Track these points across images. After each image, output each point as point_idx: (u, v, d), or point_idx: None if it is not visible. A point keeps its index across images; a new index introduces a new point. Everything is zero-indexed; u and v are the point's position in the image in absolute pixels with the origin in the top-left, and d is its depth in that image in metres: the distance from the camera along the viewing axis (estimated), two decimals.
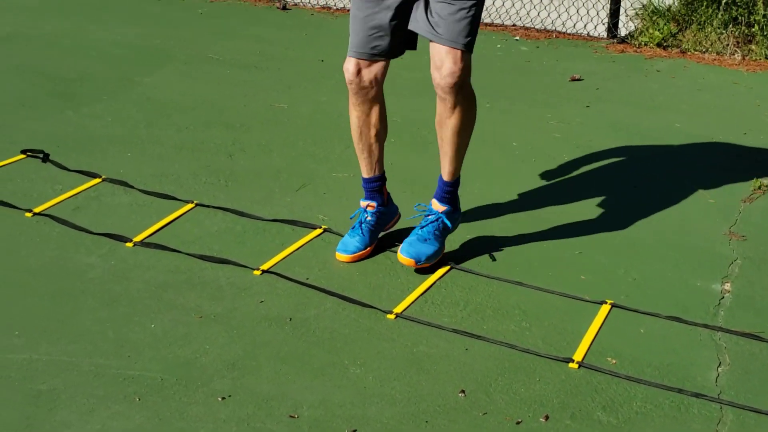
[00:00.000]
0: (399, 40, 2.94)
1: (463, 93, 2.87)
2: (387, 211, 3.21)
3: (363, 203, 3.17)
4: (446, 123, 2.93)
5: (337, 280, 3.00)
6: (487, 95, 4.82)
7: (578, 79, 5.12)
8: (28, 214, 3.37)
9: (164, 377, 2.48)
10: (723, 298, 2.90)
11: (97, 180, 3.66)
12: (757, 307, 2.85)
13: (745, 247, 3.21)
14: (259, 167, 3.88)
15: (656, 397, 2.42)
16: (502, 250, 3.19)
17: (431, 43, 2.84)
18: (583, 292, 2.93)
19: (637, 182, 3.76)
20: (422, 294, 2.92)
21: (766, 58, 5.41)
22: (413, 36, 2.96)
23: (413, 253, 2.98)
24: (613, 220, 3.42)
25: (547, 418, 2.34)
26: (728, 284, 2.97)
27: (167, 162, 3.90)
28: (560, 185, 3.75)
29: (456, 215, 3.13)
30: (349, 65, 2.96)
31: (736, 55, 5.45)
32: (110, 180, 3.67)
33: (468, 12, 2.80)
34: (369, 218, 3.14)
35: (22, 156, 3.84)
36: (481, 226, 3.37)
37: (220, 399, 2.40)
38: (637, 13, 5.96)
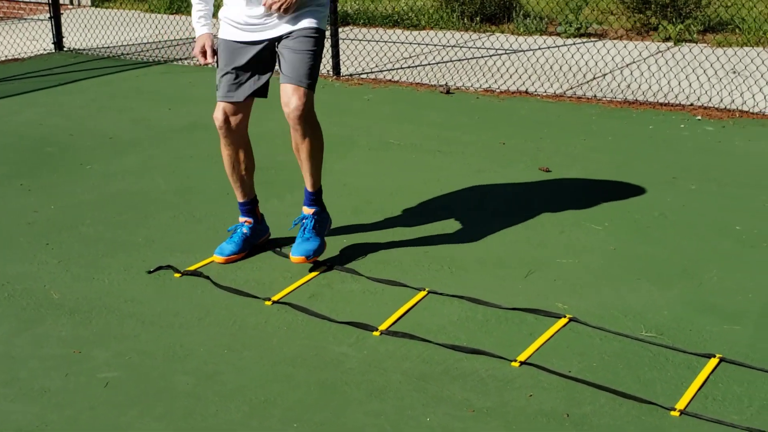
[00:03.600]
0: (253, 86, 3.59)
1: (309, 123, 3.48)
2: (260, 228, 3.87)
3: (241, 219, 3.83)
4: (301, 149, 3.55)
5: (602, 374, 2.86)
6: (690, 178, 4.67)
7: None
8: (268, 303, 3.37)
9: None
10: None
11: (323, 267, 3.65)
12: None
13: None
14: (480, 254, 3.80)
15: None
16: (760, 339, 3.01)
17: (281, 84, 3.47)
18: None
19: None
20: (699, 389, 2.75)
21: None
22: (266, 85, 3.63)
23: (302, 251, 3.58)
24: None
25: None
26: None
27: (388, 249, 3.86)
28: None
29: (324, 214, 3.73)
30: (218, 113, 3.60)
31: None
32: (338, 267, 3.65)
33: (310, 58, 3.47)
34: (245, 230, 3.80)
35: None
36: (730, 312, 3.19)
37: None
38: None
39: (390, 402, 2.72)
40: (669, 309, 3.28)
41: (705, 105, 6.03)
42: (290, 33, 3.48)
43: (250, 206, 3.83)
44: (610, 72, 7.12)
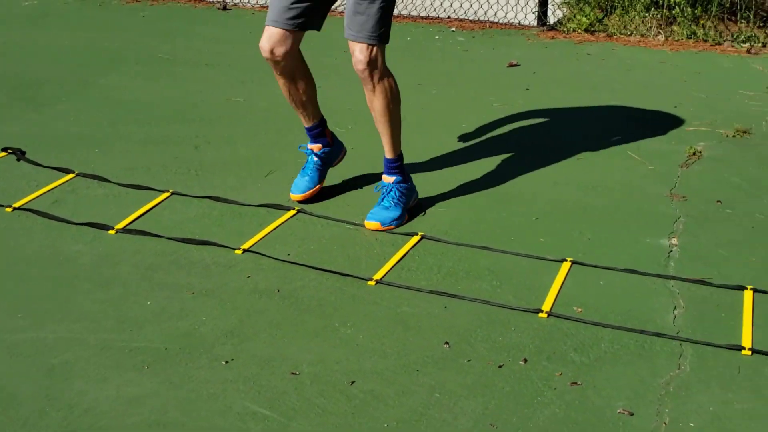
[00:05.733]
0: (311, 13, 3.28)
1: (378, 75, 3.25)
2: (332, 150, 3.63)
3: (310, 146, 3.56)
4: (373, 106, 3.32)
5: (317, 255, 3.19)
6: (434, 83, 5.09)
7: (515, 65, 5.41)
8: (9, 209, 3.48)
9: (168, 347, 2.64)
10: (671, 251, 3.19)
11: (71, 175, 3.78)
12: (702, 257, 3.14)
13: (687, 206, 3.51)
14: (226, 157, 4.05)
15: (621, 338, 2.68)
16: (465, 221, 3.43)
17: (347, 38, 3.24)
18: (544, 252, 3.18)
19: (582, 155, 4.04)
20: (398, 262, 3.14)
21: (687, 37, 5.78)
22: (324, 16, 3.35)
23: (377, 217, 3.36)
24: (564, 189, 3.69)
25: (525, 360, 2.58)
26: (675, 239, 3.27)
27: (136, 156, 4.04)
28: (511, 161, 4.01)
29: (407, 184, 3.45)
30: (263, 42, 3.30)
31: (659, 37, 5.81)
32: (84, 175, 3.79)
33: (376, 10, 3.17)
34: (316, 159, 3.56)
35: (3, 153, 3.94)
36: (445, 201, 3.60)
37: (223, 363, 2.57)
38: (564, 1, 6.29)
39: (116, 290, 2.95)
40: None
41: (461, 17, 6.46)
42: None
43: (319, 129, 3.57)
44: None
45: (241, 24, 6.54)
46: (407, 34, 6.19)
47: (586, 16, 6.05)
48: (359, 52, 3.23)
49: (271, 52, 3.31)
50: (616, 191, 3.65)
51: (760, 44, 5.63)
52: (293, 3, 3.25)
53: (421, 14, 6.58)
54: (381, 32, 3.23)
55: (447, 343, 2.67)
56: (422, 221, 3.43)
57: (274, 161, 4.01)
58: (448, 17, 6.50)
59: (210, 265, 3.12)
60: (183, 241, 3.27)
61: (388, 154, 3.43)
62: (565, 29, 6.07)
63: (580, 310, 2.83)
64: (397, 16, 6.58)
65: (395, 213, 3.38)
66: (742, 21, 5.80)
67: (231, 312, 2.83)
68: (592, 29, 6.02)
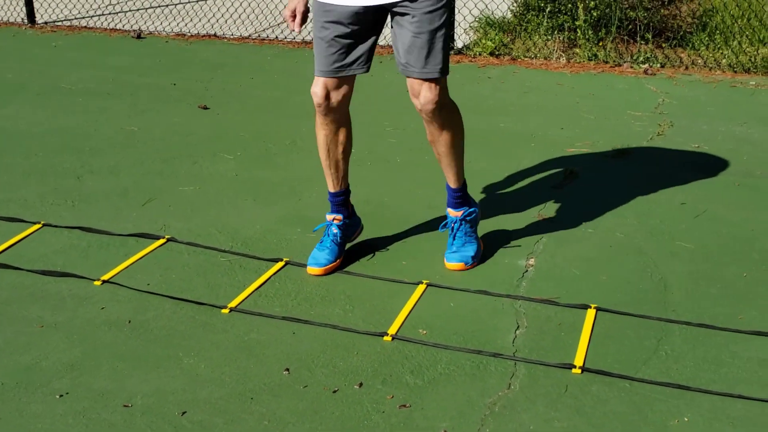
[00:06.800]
0: (361, 55, 3.01)
1: (445, 111, 3.02)
2: (351, 222, 3.35)
3: (329, 217, 3.29)
4: (439, 140, 3.10)
5: (177, 284, 3.19)
6: None
7: None
8: None
9: (5, 382, 2.62)
10: (527, 271, 3.23)
11: None
12: (555, 277, 3.19)
13: (551, 226, 3.56)
14: (107, 187, 4.04)
15: (459, 359, 2.71)
16: None
17: (407, 76, 2.98)
18: (403, 275, 3.21)
19: None
20: (257, 289, 3.15)
21: (588, 59, 5.88)
22: (371, 55, 3.04)
23: (458, 257, 3.22)
24: (432, 210, 3.72)
25: (361, 385, 2.59)
26: (532, 259, 3.31)
27: (14, 187, 4.02)
28: (385, 183, 4.04)
29: (473, 210, 3.29)
30: (317, 88, 3.05)
31: (561, 59, 5.91)
32: None
33: (436, 39, 2.90)
34: (335, 231, 3.26)
35: None
36: (311, 223, 3.62)
37: (57, 396, 2.56)
38: (470, 26, 6.37)
39: None
40: (263, 224, 3.67)
41: None
42: (404, 4, 2.88)
43: (343, 197, 3.30)
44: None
45: (153, 52, 6.55)
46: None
47: (491, 40, 6.13)
48: (428, 91, 2.96)
49: (326, 98, 3.05)
50: (486, 212, 3.69)
51: (658, 64, 5.74)
52: (337, 50, 2.98)
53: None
54: (446, 64, 2.97)
55: (287, 369, 2.67)
56: (288, 247, 3.45)
57: (154, 189, 4.01)
58: None
59: (66, 297, 3.11)
60: (43, 273, 3.25)
61: (453, 184, 3.23)
62: (471, 53, 6.14)
63: (424, 332, 2.86)
64: (309, 42, 6.63)
65: (472, 248, 3.25)
66: (642, 42, 5.91)
67: (76, 344, 2.82)
68: (497, 53, 6.10)
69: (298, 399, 2.54)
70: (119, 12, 7.70)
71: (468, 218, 3.27)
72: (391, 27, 2.99)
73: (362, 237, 3.51)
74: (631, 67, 5.74)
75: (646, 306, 2.95)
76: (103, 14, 7.62)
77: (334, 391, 2.57)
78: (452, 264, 3.22)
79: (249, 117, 5.05)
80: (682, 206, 3.73)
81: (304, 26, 3.02)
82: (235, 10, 7.37)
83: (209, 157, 4.41)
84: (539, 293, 3.07)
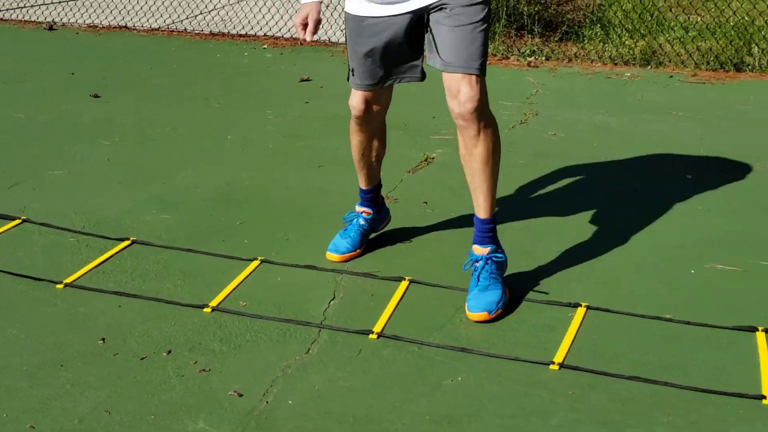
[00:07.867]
0: (402, 64, 2.93)
1: (485, 117, 2.81)
2: (379, 217, 3.37)
3: (359, 209, 3.32)
4: (473, 153, 2.83)
5: (22, 261, 3.31)
6: (221, 97, 5.26)
7: (307, 80, 5.62)
8: None
9: None
10: None
11: None
12: (382, 253, 3.35)
13: (393, 207, 3.71)
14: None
15: (269, 328, 2.86)
16: (181, 225, 3.59)
17: (443, 73, 2.80)
18: (241, 253, 3.36)
19: (322, 162, 4.25)
20: (97, 266, 3.28)
21: None
22: (418, 65, 2.93)
23: (482, 306, 2.84)
24: (278, 191, 3.87)
25: (169, 352, 2.73)
26: None
27: None
28: (257, 166, 4.19)
29: (501, 254, 2.95)
30: (356, 101, 3.01)
31: None
32: None
33: (476, 33, 2.74)
34: (363, 223, 3.29)
35: None
36: (170, 205, 3.76)
37: None
38: None
39: None
40: (121, 206, 3.78)
41: (275, 35, 6.67)
42: (443, 2, 2.76)
43: (373, 194, 3.30)
44: (215, 9, 7.60)
45: (61, 44, 6.65)
46: (218, 51, 6.37)
47: None
48: (468, 87, 2.73)
49: (365, 111, 3.02)
50: (331, 194, 3.85)
51: (543, 57, 5.93)
52: (377, 62, 2.91)
53: (240, 32, 6.77)
54: (484, 64, 2.78)
55: (103, 339, 2.81)
56: (139, 227, 3.58)
57: (23, 173, 4.13)
58: (264, 35, 6.69)
59: None
60: None
61: (483, 214, 2.90)
62: None
63: (245, 304, 3.01)
64: (217, 34, 6.77)
65: (497, 293, 2.86)
66: (530, 35, 6.10)
67: None
68: None
69: (106, 365, 2.68)
70: (33, 5, 7.77)
71: (495, 258, 2.93)
72: (428, 30, 2.82)
73: (214, 217, 3.65)
74: (518, 60, 5.93)
75: (457, 278, 3.11)
76: (18, 7, 7.68)
77: (142, 358, 2.71)
78: (474, 314, 2.82)
79: (137, 105, 5.17)
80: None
81: (315, 35, 2.91)
82: (146, 3, 7.46)
83: (87, 143, 4.53)
84: (363, 268, 3.23)
